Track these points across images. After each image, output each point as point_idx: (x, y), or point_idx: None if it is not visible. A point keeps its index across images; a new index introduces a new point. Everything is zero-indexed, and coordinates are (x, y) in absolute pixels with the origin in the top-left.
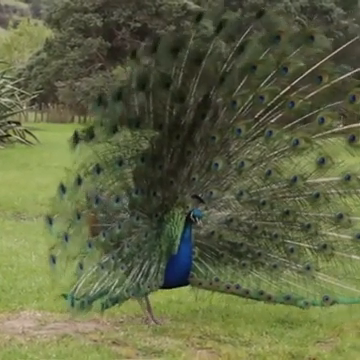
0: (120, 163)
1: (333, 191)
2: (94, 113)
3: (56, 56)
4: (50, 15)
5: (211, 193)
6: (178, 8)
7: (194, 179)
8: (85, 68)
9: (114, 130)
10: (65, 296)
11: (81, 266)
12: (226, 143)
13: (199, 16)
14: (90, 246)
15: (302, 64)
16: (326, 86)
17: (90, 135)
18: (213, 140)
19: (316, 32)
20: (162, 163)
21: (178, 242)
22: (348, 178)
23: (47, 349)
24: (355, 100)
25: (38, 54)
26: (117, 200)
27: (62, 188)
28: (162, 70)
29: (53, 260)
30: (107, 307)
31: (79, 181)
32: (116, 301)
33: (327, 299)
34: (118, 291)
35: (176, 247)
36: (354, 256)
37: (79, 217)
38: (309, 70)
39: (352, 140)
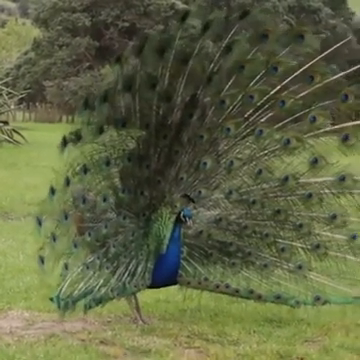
0: (107, 163)
1: (327, 191)
2: (81, 116)
3: (44, 55)
4: (38, 14)
5: (200, 192)
6: (166, 7)
7: (182, 178)
8: (73, 67)
9: (100, 131)
10: (52, 299)
11: (66, 267)
12: (215, 142)
13: (185, 15)
14: (76, 246)
15: (294, 63)
16: (318, 86)
17: (77, 137)
18: (201, 139)
19: (306, 31)
20: (149, 162)
21: (166, 241)
22: (343, 179)
23: (35, 349)
24: (347, 99)
25: (26, 53)
26: (104, 200)
27: (52, 190)
28: (148, 70)
29: (42, 261)
30: (90, 307)
31: (68, 182)
32: (100, 301)
33: (318, 299)
34: (103, 291)
35: (164, 246)
36: (349, 256)
37: (66, 217)
38: (300, 70)
39: (345, 139)
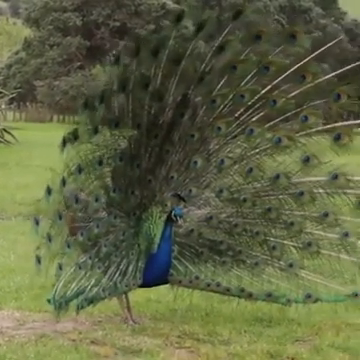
0: (100, 163)
1: (321, 190)
2: (82, 116)
3: (35, 55)
4: (29, 14)
5: (190, 191)
6: (157, 7)
7: (173, 177)
8: (64, 67)
9: (95, 131)
10: (49, 301)
11: (60, 267)
12: (206, 141)
13: (179, 16)
14: (69, 246)
15: (286, 62)
16: (310, 85)
17: (75, 137)
18: (192, 138)
19: (298, 31)
20: (140, 162)
21: (157, 241)
22: (335, 177)
23: (25, 349)
24: (340, 99)
25: (17, 53)
26: (96, 199)
27: (48, 191)
28: (142, 70)
29: (38, 261)
30: (82, 307)
31: (64, 183)
32: (91, 301)
33: (310, 296)
34: (94, 290)
35: (155, 245)
36: (342, 255)
37: (60, 218)
38: (291, 69)
39: (337, 139)
